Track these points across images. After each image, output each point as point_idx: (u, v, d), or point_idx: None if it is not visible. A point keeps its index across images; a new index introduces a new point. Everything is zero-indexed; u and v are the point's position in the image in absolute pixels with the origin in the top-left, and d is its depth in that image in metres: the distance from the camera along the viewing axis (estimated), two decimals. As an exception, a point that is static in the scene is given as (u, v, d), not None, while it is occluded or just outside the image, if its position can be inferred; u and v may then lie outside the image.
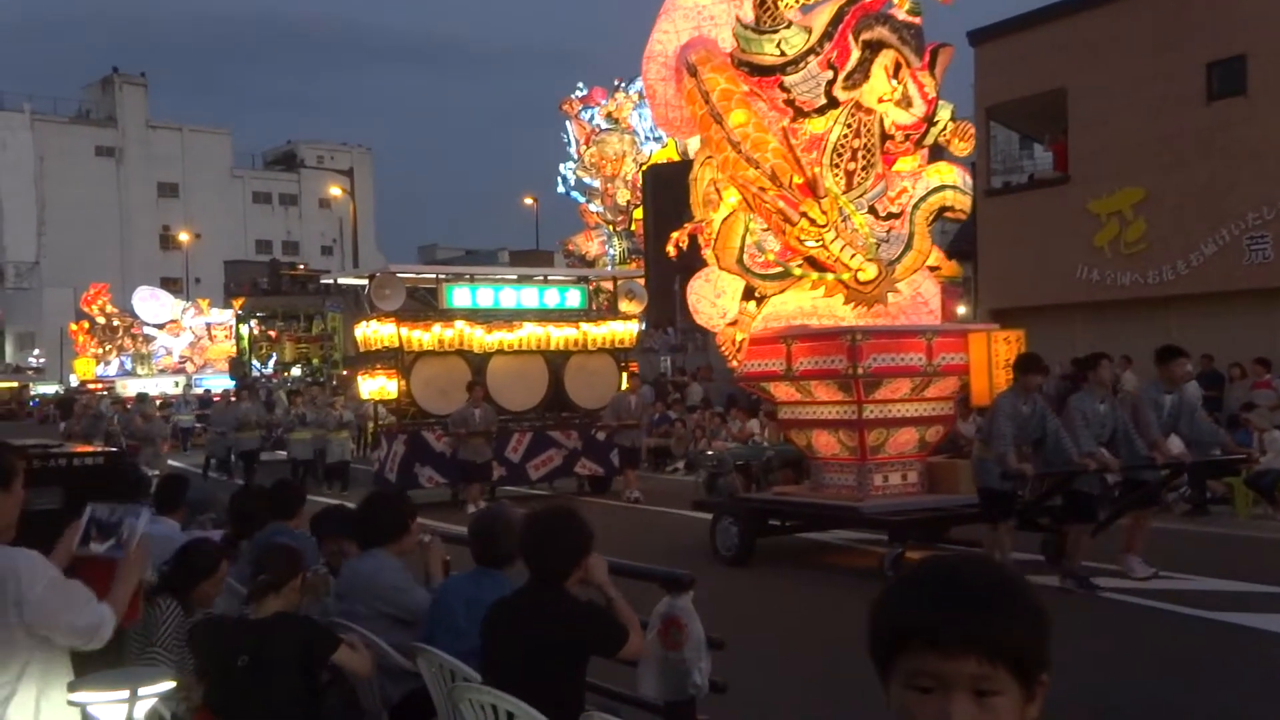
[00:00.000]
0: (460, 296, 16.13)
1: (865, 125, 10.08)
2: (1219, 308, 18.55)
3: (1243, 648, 7.24)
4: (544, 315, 16.60)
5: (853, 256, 9.91)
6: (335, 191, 56.11)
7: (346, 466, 18.25)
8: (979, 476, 8.94)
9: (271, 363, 30.72)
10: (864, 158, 10.14)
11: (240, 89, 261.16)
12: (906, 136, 10.13)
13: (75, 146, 62.04)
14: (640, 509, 14.91)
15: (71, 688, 2.78)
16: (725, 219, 10.47)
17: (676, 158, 50.37)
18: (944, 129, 10.12)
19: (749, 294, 10.51)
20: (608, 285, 18.45)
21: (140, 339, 41.17)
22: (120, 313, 42.21)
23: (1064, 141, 21.44)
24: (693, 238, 10.60)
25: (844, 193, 10.10)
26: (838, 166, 10.11)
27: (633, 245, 50.81)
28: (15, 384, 43.55)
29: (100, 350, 41.41)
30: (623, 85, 53.02)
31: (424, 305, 16.42)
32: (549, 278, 17.45)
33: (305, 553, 4.67)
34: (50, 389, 42.08)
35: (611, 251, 51.97)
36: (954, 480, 10.17)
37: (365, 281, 16.51)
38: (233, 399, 20.67)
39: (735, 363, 10.57)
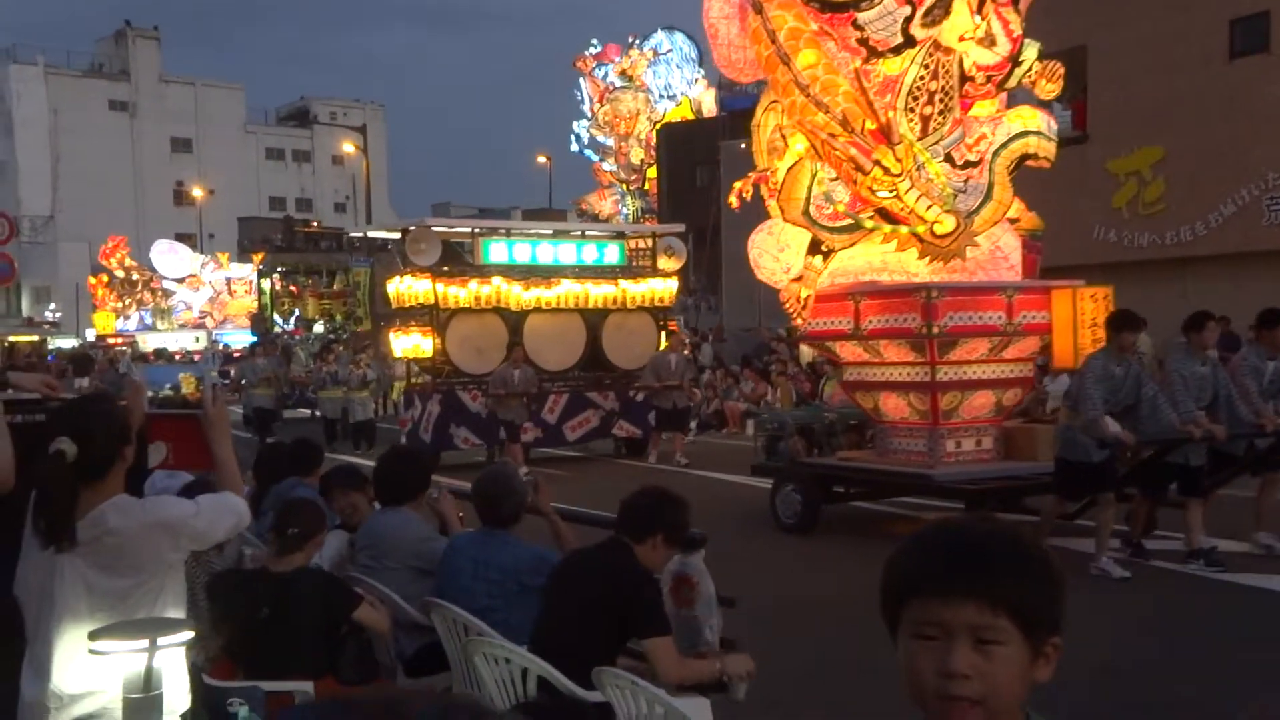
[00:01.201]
0: (497, 252, 15.38)
1: (944, 66, 9.30)
2: (1237, 269, 17.92)
3: (1259, 609, 7.15)
4: (582, 272, 15.86)
5: (929, 208, 9.17)
6: (348, 148, 55.20)
7: (371, 425, 17.61)
8: (1062, 447, 8.19)
9: (293, 319, 29.93)
10: (942, 101, 9.37)
11: (252, 44, 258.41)
12: (988, 78, 9.36)
13: (89, 100, 60.79)
14: (681, 472, 14.27)
15: (92, 636, 2.72)
16: (791, 168, 9.74)
17: (690, 116, 49.59)
18: (1029, 69, 9.35)
19: (815, 248, 9.80)
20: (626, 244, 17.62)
21: (159, 293, 40.31)
22: (139, 266, 41.34)
23: (1083, 100, 20.63)
24: (753, 188, 9.87)
25: (919, 139, 9.34)
26: (913, 111, 9.34)
27: (646, 204, 50.00)
28: (36, 337, 42.89)
29: (120, 304, 40.57)
30: (637, 42, 52.06)
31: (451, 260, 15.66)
32: (587, 233, 16.67)
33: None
34: (69, 343, 41.40)
35: (625, 210, 51.16)
36: (1032, 446, 9.50)
37: (398, 235, 15.77)
38: (252, 355, 19.91)
39: (800, 320, 9.88)
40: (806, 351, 25.37)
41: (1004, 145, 9.53)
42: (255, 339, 27.46)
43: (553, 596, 3.87)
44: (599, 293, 15.78)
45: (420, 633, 4.37)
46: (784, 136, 9.68)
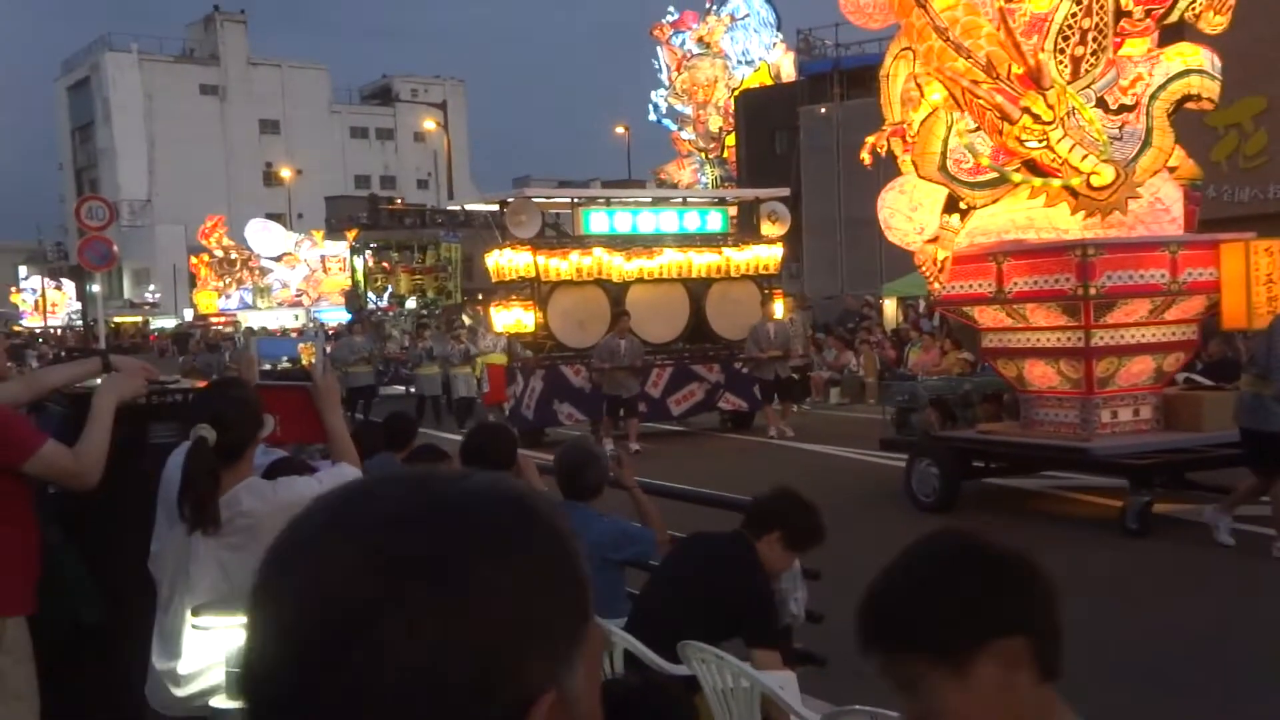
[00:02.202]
0: (598, 221, 14.70)
1: (1098, 1, 8.38)
2: (1344, 224, 16.44)
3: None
4: (685, 240, 15.12)
5: (1084, 158, 8.26)
6: (429, 125, 54.96)
7: (472, 403, 17.13)
8: (1249, 417, 7.28)
9: (386, 295, 29.57)
10: (1095, 40, 8.45)
11: (335, 21, 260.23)
12: (1147, 12, 8.42)
13: (181, 85, 61.54)
14: (793, 447, 13.54)
15: (195, 612, 2.79)
16: (925, 120, 8.90)
17: (769, 82, 48.33)
18: (1194, 1, 8.36)
19: (952, 206, 8.95)
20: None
21: (257, 272, 40.35)
22: (237, 245, 41.46)
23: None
24: (886, 142, 9.04)
25: (1069, 83, 8.43)
26: (1063, 52, 8.44)
27: (725, 173, 48.98)
28: (140, 318, 43.55)
29: (221, 283, 40.74)
30: (714, 8, 50.85)
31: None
32: (688, 200, 15.90)
33: None
34: (170, 322, 41.88)
35: (704, 179, 50.15)
36: (1196, 415, 8.60)
37: (495, 208, 15.21)
38: (350, 333, 19.45)
39: (937, 284, 9.05)
40: (891, 317, 24.42)
41: (1163, 86, 8.58)
42: (350, 316, 27.22)
43: (664, 572, 3.90)
44: (702, 261, 15.03)
45: None
46: (919, 86, 8.84)
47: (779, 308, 15.12)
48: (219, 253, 40.98)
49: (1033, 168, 8.55)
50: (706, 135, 51.47)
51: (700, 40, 51.42)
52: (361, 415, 16.55)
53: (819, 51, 41.96)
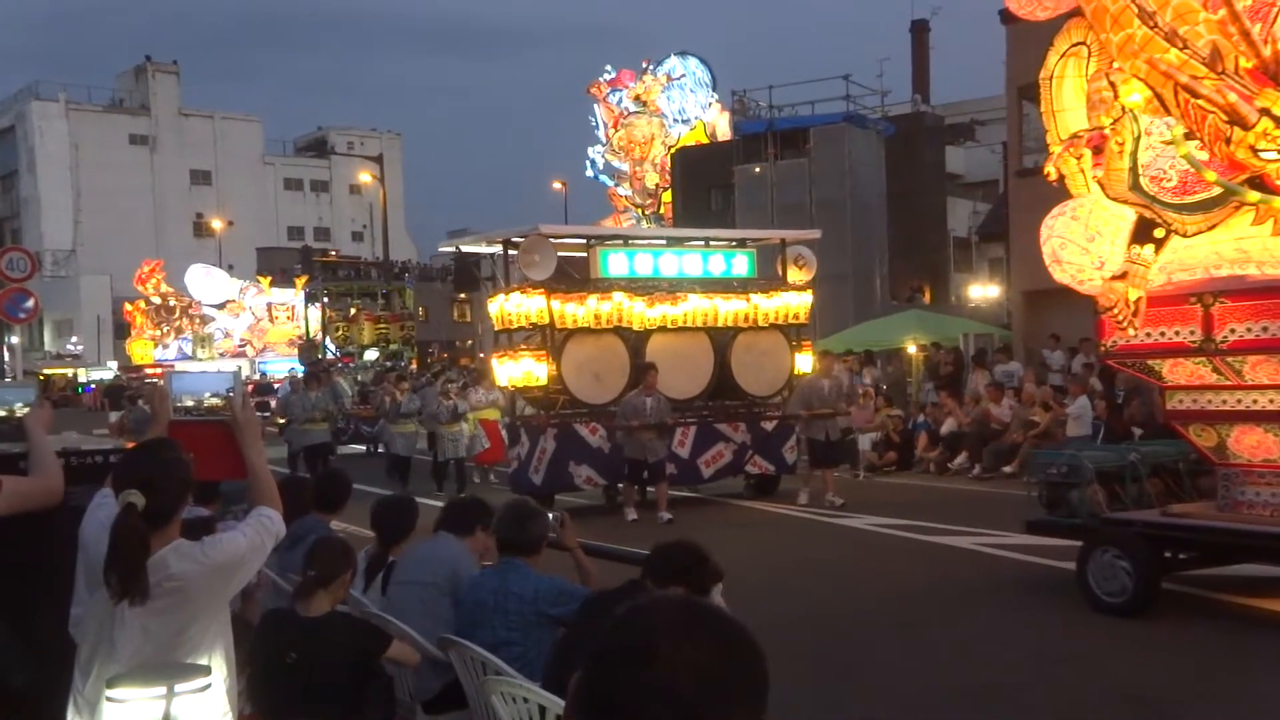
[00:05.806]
0: (616, 264, 12.32)
1: (1336, -17, 6.40)
2: None
3: None
4: (710, 285, 12.83)
5: (1337, 173, 6.22)
6: (365, 178, 52.33)
7: (461, 464, 14.47)
8: None
9: (347, 345, 26.47)
10: (1328, 32, 6.46)
11: (270, 76, 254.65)
12: (1396, -2, 6.46)
13: (109, 135, 57.69)
14: (849, 525, 11.22)
15: (110, 684, 2.54)
16: (1109, 128, 6.81)
17: (705, 140, 47.01)
18: None
19: (1144, 234, 6.84)
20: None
21: (197, 320, 36.54)
22: (176, 292, 37.61)
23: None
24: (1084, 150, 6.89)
25: (1295, 83, 6.42)
26: (1292, 45, 6.43)
27: (662, 228, 47.44)
28: (70, 370, 39.44)
29: (158, 332, 36.71)
30: (651, 68, 49.65)
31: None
32: (712, 241, 13.62)
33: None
34: (99, 374, 37.86)
35: (640, 234, 48.58)
36: None
37: (498, 249, 12.75)
38: (308, 386, 16.48)
39: (1131, 329, 6.88)
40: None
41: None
42: (302, 368, 24.20)
43: (572, 635, 3.77)
44: (729, 308, 12.75)
45: (448, 671, 3.98)
46: (1113, 85, 6.74)
47: (829, 362, 12.89)
48: (156, 299, 37.09)
49: (1255, 185, 6.49)
50: (643, 191, 50.22)
51: (637, 99, 50.39)
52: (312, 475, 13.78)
53: (753, 112, 40.82)
